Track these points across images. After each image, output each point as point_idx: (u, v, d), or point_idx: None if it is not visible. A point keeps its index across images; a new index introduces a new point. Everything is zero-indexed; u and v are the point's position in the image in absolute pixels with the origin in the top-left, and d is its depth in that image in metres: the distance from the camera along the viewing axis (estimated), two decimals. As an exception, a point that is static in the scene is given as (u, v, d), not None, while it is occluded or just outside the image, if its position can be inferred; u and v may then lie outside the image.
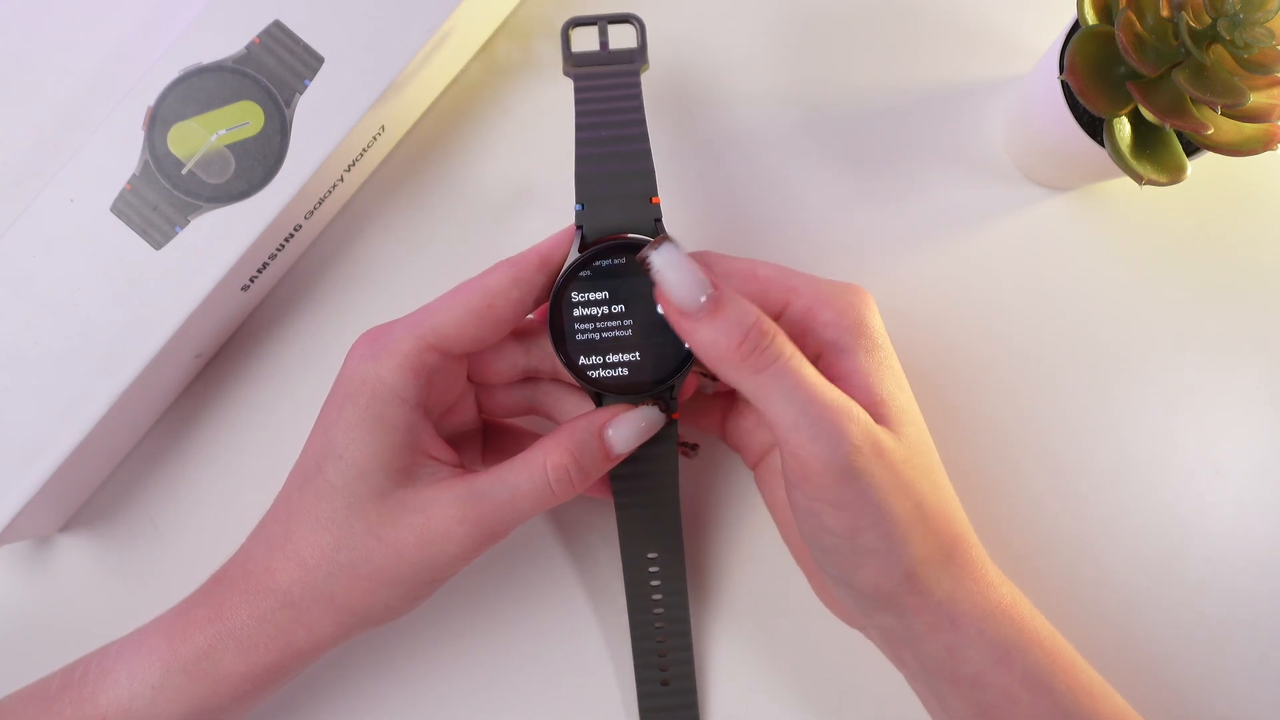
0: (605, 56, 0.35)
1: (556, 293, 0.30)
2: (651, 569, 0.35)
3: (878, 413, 0.30)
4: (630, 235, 0.31)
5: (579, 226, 0.31)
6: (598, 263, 0.30)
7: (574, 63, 0.34)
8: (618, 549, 0.35)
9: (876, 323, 0.32)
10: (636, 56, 0.35)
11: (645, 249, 0.28)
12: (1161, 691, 0.37)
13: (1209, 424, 0.39)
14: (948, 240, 0.40)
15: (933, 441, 0.32)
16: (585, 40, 0.36)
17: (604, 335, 0.30)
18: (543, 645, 0.38)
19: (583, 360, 0.31)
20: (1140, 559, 0.38)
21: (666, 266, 0.28)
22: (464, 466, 0.31)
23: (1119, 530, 0.38)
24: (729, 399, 0.36)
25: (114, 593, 0.38)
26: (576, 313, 0.30)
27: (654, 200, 0.31)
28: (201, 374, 0.40)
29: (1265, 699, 0.37)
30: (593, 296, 0.30)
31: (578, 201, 0.31)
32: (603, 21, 0.35)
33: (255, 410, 0.40)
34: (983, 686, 0.30)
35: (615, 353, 0.31)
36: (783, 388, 0.28)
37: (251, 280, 0.37)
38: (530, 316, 0.33)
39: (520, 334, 0.33)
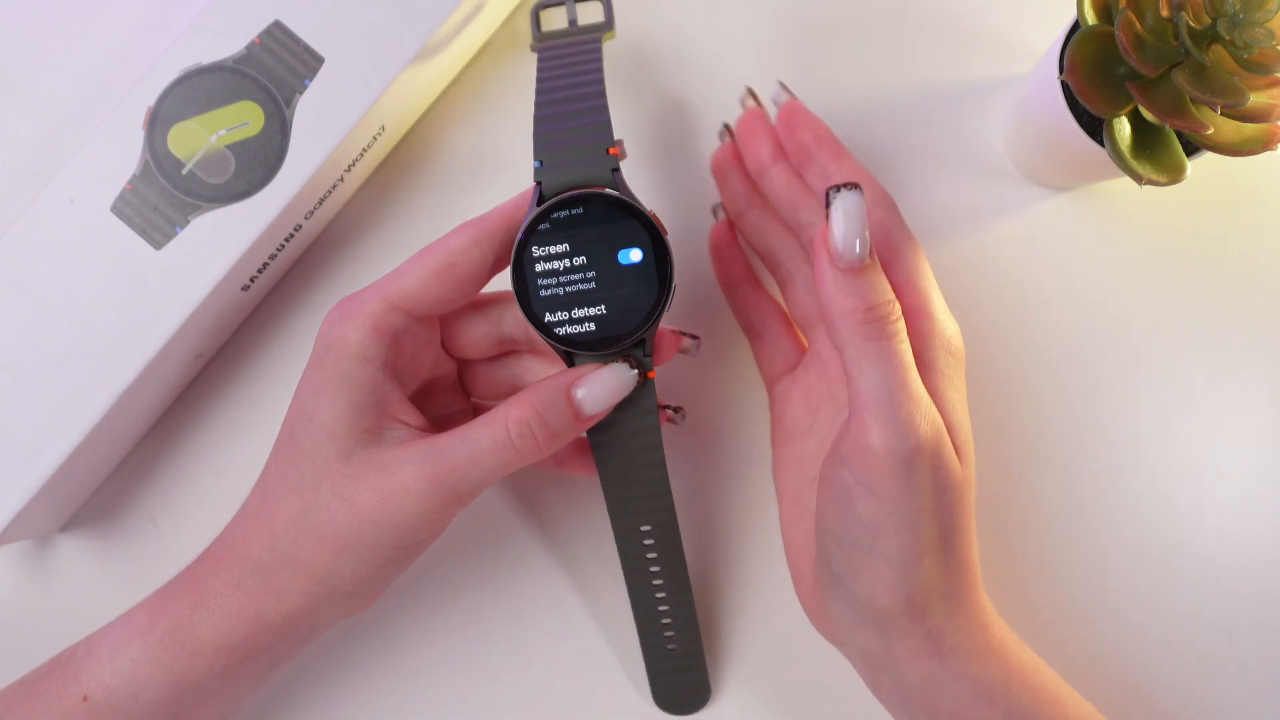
0: (572, 32, 0.36)
1: (518, 249, 0.30)
2: (646, 541, 0.34)
3: (952, 436, 0.30)
4: (586, 188, 0.30)
5: (538, 183, 0.30)
6: (555, 214, 0.30)
7: (540, 39, 0.36)
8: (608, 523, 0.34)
9: (963, 354, 0.32)
10: (601, 29, 0.35)
11: (836, 186, 0.28)
12: (1161, 692, 0.37)
13: (1209, 424, 0.39)
14: (948, 240, 0.40)
15: None
16: (558, 22, 0.38)
17: (568, 290, 0.30)
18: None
19: (548, 317, 0.30)
20: (1140, 559, 0.38)
21: (843, 211, 0.28)
22: (433, 431, 0.31)
23: (1119, 530, 0.38)
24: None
25: (114, 593, 0.38)
26: (538, 268, 0.30)
27: (611, 151, 0.30)
28: (201, 374, 0.40)
29: (1265, 699, 0.37)
30: (553, 250, 0.30)
31: (536, 158, 0.30)
32: (569, 0, 0.36)
33: (255, 410, 0.40)
34: None
35: (581, 307, 0.30)
36: (883, 363, 0.28)
37: (251, 280, 0.37)
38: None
39: (491, 302, 0.33)
